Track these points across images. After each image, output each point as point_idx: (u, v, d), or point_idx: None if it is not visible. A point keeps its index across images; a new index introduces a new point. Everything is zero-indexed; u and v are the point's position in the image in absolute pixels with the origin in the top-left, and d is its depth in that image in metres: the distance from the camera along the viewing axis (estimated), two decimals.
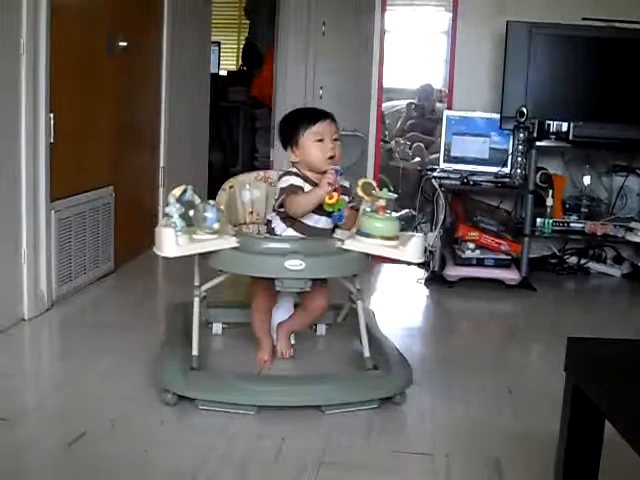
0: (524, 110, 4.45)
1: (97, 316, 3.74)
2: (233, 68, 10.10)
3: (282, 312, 3.24)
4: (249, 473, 2.27)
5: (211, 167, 6.46)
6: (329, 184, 2.72)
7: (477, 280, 4.51)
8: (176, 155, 5.25)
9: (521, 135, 4.52)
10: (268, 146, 7.48)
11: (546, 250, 5.03)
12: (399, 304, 4.23)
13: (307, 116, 2.94)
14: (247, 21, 9.61)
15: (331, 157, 2.87)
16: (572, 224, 4.60)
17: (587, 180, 4.82)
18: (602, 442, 1.42)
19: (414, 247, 2.68)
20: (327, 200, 2.73)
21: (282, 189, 2.89)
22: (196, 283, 3.01)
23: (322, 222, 2.90)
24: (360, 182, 2.79)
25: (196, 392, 2.67)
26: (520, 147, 4.52)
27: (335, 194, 2.72)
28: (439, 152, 4.93)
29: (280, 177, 2.95)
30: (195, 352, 2.82)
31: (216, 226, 2.65)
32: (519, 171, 4.54)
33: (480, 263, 4.52)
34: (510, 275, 4.51)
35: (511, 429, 2.62)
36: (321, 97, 6.94)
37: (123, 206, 4.39)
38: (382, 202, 2.71)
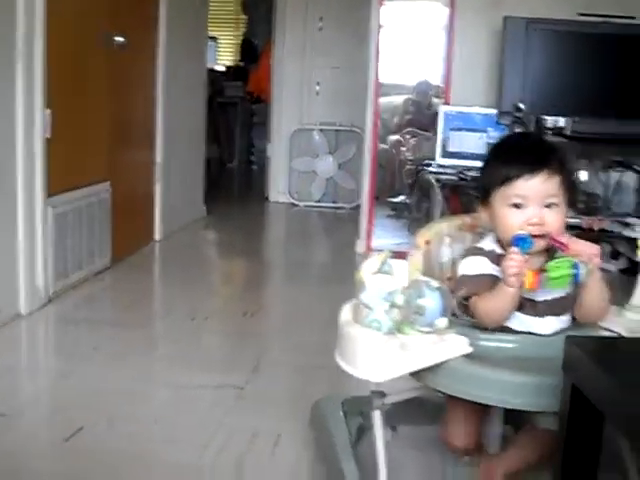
0: (521, 105, 4.45)
1: (93, 312, 3.74)
2: (230, 63, 10.10)
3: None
4: (245, 468, 2.27)
5: (208, 162, 6.47)
6: (514, 275, 1.72)
7: None
8: (172, 151, 5.24)
9: (518, 130, 4.51)
10: (265, 141, 7.49)
11: None
12: None
13: (507, 160, 1.84)
14: (244, 16, 9.63)
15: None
16: (569, 219, 4.58)
17: (584, 176, 4.81)
18: (602, 442, 1.41)
19: None
20: (527, 287, 1.73)
21: (462, 277, 1.87)
22: (372, 387, 1.95)
23: (550, 325, 1.83)
24: None
25: None
26: None
27: (527, 275, 1.71)
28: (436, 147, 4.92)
29: (466, 252, 1.94)
30: None
31: (441, 323, 1.74)
32: None
33: None
34: None
35: None
36: (318, 93, 6.96)
37: (120, 202, 4.38)
38: None
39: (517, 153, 1.87)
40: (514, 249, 1.73)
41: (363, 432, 2.29)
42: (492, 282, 1.80)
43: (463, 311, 1.86)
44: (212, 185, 6.56)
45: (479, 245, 1.91)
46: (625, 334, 1.82)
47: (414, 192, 5.18)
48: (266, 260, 5.30)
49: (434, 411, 2.28)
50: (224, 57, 10.23)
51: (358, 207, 5.48)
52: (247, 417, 2.60)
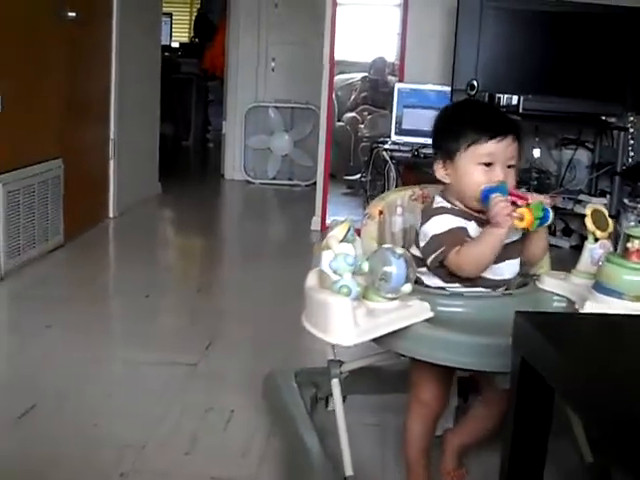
0: (475, 83, 4.46)
1: (46, 290, 3.70)
2: (185, 40, 10.03)
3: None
4: (199, 443, 2.28)
5: (163, 140, 6.43)
6: (508, 215, 1.81)
7: None
8: (126, 127, 5.19)
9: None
10: (221, 119, 7.45)
11: None
12: None
13: (480, 123, 1.94)
14: None
15: None
16: None
17: (537, 153, 4.86)
18: (552, 415, 1.44)
19: None
20: (518, 224, 1.84)
21: (435, 237, 1.91)
22: (330, 356, 2.05)
23: (508, 269, 1.99)
24: (589, 210, 1.99)
25: None
26: None
27: (522, 212, 1.83)
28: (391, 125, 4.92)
29: (426, 215, 1.98)
30: (349, 472, 1.93)
31: (406, 289, 1.76)
32: None
33: None
34: None
35: None
36: (273, 69, 6.93)
37: (73, 179, 4.34)
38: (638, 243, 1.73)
39: (488, 117, 1.99)
40: (497, 194, 1.84)
41: (315, 403, 2.34)
42: (465, 234, 1.90)
43: (434, 273, 1.94)
44: (168, 162, 6.52)
45: (437, 205, 1.97)
46: (570, 297, 1.93)
47: (370, 169, 5.19)
48: (221, 237, 5.29)
49: (382, 380, 2.36)
50: (179, 34, 10.16)
51: (314, 185, 5.48)
52: (200, 393, 2.60)
